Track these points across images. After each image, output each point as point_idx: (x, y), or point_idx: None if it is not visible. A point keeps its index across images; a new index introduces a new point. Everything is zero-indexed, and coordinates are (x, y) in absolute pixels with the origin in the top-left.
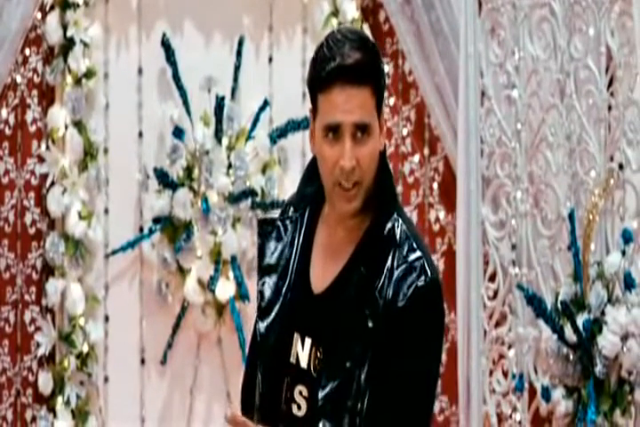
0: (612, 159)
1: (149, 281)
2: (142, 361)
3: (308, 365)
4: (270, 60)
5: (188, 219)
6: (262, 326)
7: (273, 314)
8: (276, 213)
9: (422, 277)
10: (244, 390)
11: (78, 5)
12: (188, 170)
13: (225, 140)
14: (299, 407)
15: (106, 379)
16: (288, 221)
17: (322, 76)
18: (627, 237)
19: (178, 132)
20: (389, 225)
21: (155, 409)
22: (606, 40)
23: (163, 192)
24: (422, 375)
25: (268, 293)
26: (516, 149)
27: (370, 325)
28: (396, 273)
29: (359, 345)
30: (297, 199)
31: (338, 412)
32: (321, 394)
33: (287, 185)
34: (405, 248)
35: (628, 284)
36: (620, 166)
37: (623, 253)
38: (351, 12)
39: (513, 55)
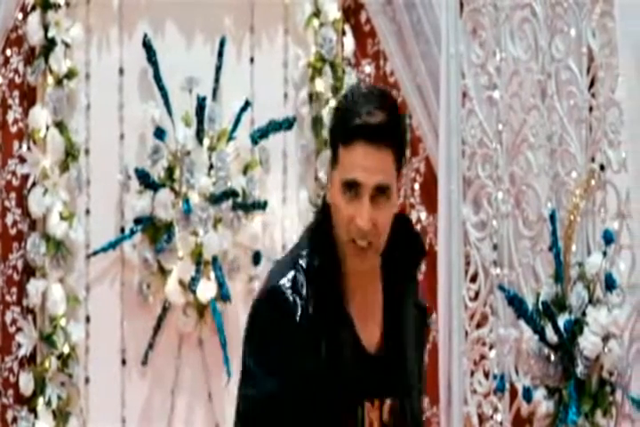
0: (593, 160)
1: (130, 282)
2: (123, 362)
3: (381, 423)
4: (252, 60)
5: (170, 219)
6: (322, 393)
7: (336, 385)
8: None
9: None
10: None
11: (59, 6)
12: (170, 170)
13: (206, 141)
14: None
15: (87, 380)
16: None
17: (345, 130)
18: (608, 238)
19: (159, 133)
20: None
21: (136, 410)
22: (587, 41)
23: (144, 193)
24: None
25: (318, 365)
26: (497, 149)
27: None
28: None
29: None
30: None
31: None
32: None
33: (268, 186)
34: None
35: (609, 284)
36: (602, 167)
37: (604, 253)
38: (333, 12)
39: (494, 56)
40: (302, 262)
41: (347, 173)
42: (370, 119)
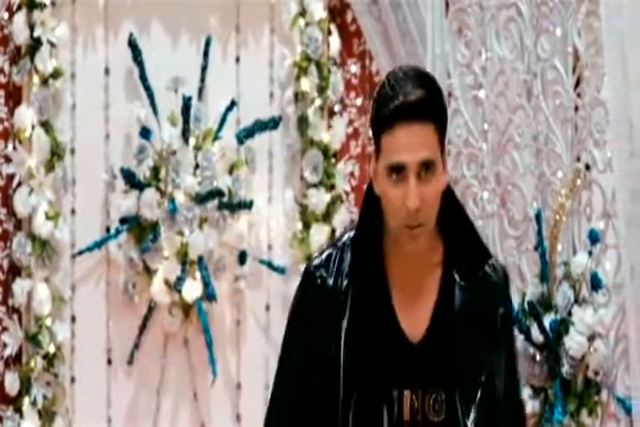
0: (578, 160)
1: (116, 281)
2: (109, 361)
3: (424, 415)
4: (237, 60)
5: (155, 219)
6: (363, 386)
7: (374, 375)
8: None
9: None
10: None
11: (45, 5)
12: (155, 170)
13: (192, 141)
14: None
15: (72, 379)
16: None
17: (385, 115)
18: (593, 238)
19: (145, 133)
20: (478, 244)
21: (121, 409)
22: (573, 40)
23: (129, 192)
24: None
25: (355, 354)
26: (482, 149)
27: (491, 342)
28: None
29: (484, 369)
30: (360, 242)
31: None
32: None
33: (254, 185)
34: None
35: (595, 284)
36: (587, 167)
37: (590, 253)
38: (319, 12)
39: (480, 56)
40: (343, 240)
41: (390, 157)
42: (408, 98)
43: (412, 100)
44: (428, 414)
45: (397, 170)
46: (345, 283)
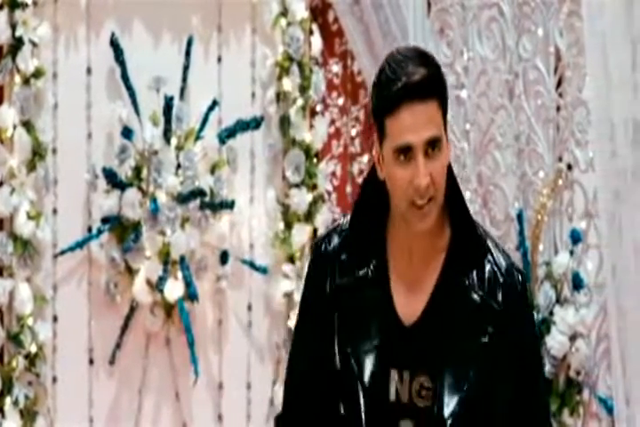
0: (560, 160)
1: (98, 281)
2: (91, 361)
3: (410, 398)
4: (219, 60)
5: (137, 219)
6: (354, 366)
7: (365, 354)
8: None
9: (518, 277)
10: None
11: (27, 5)
12: (137, 170)
13: (174, 141)
14: None
15: (54, 379)
16: (349, 254)
17: (389, 98)
18: (575, 238)
19: (126, 132)
20: (475, 235)
21: (103, 409)
22: (555, 40)
23: (111, 192)
24: (542, 368)
25: (348, 335)
26: (464, 149)
27: (485, 339)
28: (498, 277)
29: (474, 364)
30: (357, 233)
31: None
32: (449, 420)
33: (236, 185)
34: (496, 253)
35: (577, 284)
36: (569, 167)
37: (571, 253)
38: (300, 12)
39: (462, 56)
40: (343, 221)
41: (397, 139)
42: (411, 79)
43: (415, 81)
44: (414, 399)
45: (404, 151)
46: (345, 257)
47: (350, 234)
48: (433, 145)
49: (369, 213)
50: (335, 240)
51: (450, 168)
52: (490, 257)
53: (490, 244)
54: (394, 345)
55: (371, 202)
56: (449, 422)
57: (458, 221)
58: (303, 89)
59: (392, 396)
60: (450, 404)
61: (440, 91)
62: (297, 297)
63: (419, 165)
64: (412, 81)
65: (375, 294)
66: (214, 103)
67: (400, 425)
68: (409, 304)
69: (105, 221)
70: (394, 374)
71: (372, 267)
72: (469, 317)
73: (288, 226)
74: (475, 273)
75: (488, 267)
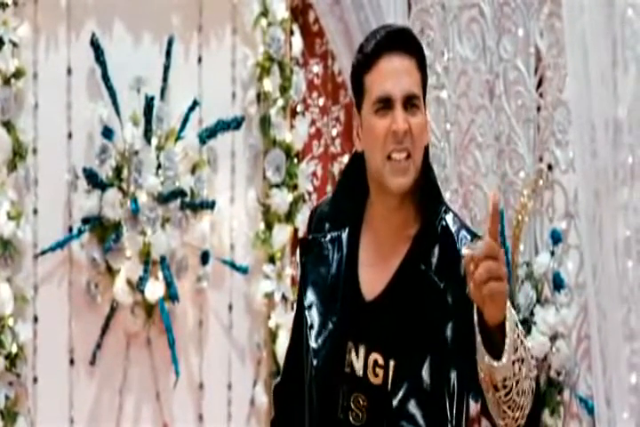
0: (540, 160)
1: (78, 281)
2: (71, 362)
3: (364, 372)
4: (200, 60)
5: (118, 219)
6: (314, 337)
7: (325, 327)
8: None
9: None
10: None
11: (7, 5)
12: (118, 170)
13: (154, 141)
14: (356, 416)
15: (35, 379)
16: (329, 240)
17: (368, 52)
18: (555, 238)
19: (107, 133)
20: (443, 219)
21: (84, 410)
22: (535, 41)
23: (92, 192)
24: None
25: (315, 309)
26: (445, 149)
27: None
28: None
29: (429, 351)
30: (333, 214)
31: (425, 409)
32: (395, 401)
33: (217, 185)
34: (462, 239)
35: (557, 284)
36: (549, 167)
37: (552, 253)
38: (281, 12)
39: (442, 56)
40: (326, 197)
41: (376, 90)
42: (390, 30)
43: (394, 30)
44: (369, 375)
45: (384, 102)
46: (327, 226)
47: (330, 212)
48: (412, 103)
49: (347, 202)
50: (325, 209)
51: (429, 165)
52: (457, 247)
53: (462, 234)
54: (353, 319)
55: (350, 184)
56: (395, 404)
57: (428, 214)
58: (284, 89)
59: (347, 368)
60: (400, 388)
61: (419, 52)
62: (277, 297)
63: (397, 113)
64: (392, 30)
65: (343, 270)
66: (195, 103)
67: (352, 399)
68: (372, 282)
69: (85, 221)
70: (350, 347)
71: (344, 245)
72: (428, 302)
73: (269, 226)
74: (436, 260)
75: (451, 255)
